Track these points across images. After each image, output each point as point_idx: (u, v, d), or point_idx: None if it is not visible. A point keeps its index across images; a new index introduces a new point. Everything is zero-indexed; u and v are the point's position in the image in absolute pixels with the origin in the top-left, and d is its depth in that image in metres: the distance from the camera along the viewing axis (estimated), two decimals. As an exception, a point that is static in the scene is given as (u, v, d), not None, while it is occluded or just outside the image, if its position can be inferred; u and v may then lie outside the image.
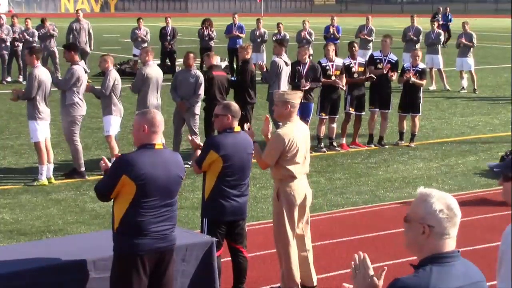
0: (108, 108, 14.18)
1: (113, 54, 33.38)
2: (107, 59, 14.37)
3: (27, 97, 13.30)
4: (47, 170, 13.51)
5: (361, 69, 16.68)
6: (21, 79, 25.74)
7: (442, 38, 26.14)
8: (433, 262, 3.84)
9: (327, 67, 16.13)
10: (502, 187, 4.51)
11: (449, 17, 42.25)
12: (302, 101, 15.70)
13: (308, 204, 8.81)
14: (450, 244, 3.89)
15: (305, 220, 8.83)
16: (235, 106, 8.33)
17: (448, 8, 43.75)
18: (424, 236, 3.87)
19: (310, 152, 9.27)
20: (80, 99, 13.79)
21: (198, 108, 14.85)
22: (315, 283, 8.88)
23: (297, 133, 8.56)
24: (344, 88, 16.31)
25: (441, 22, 37.87)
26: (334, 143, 16.56)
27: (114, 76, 14.20)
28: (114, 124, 14.22)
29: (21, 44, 26.02)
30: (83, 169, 13.89)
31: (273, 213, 8.92)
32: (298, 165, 8.56)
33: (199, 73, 14.86)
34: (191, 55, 15.10)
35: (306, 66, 15.90)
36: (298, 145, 8.50)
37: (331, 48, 16.46)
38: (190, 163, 12.92)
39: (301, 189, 8.65)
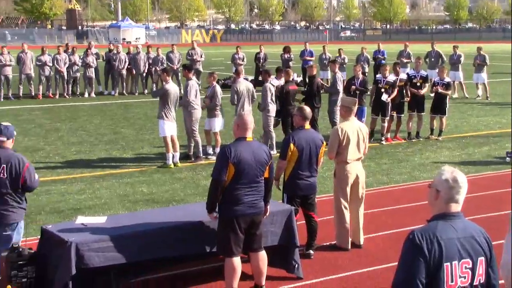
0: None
1: (219, 72, 33.73)
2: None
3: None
4: (173, 157, 13.59)
5: (401, 83, 16.43)
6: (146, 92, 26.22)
7: (462, 59, 25.43)
8: (439, 218, 3.82)
9: (379, 81, 16.03)
10: None
11: None
12: (357, 106, 15.71)
13: (360, 182, 8.58)
14: (454, 207, 3.83)
15: (360, 195, 8.64)
16: (306, 110, 8.20)
17: None
18: (434, 198, 3.87)
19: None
20: (197, 104, 13.80)
21: (272, 111, 14.56)
22: (361, 243, 8.71)
23: (349, 128, 8.42)
24: (389, 99, 16.04)
25: None
26: (383, 137, 16.36)
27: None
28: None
29: (155, 67, 26.45)
30: (201, 154, 13.99)
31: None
32: (350, 153, 8.38)
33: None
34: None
35: (359, 80, 15.87)
36: (349, 136, 8.35)
37: (387, 68, 16.26)
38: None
39: (353, 170, 8.45)
